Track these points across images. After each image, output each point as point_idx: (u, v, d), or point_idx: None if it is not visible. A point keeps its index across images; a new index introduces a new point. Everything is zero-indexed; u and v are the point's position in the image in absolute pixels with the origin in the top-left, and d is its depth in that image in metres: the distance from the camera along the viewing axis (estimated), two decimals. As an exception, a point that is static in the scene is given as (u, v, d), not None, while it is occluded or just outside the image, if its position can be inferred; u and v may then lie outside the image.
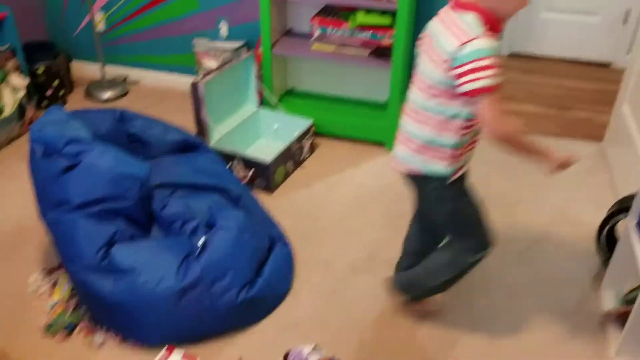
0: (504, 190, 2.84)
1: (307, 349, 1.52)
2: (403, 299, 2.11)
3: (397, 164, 1.87)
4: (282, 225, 2.49)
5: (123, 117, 2.39)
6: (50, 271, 2.32)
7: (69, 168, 1.99)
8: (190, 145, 2.51)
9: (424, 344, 2.05)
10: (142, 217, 2.12)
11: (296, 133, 2.93)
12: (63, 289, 2.23)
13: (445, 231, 1.97)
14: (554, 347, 2.04)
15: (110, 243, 1.98)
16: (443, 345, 2.04)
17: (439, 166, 1.76)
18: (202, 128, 2.80)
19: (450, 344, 2.05)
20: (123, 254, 1.97)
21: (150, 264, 1.95)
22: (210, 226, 2.15)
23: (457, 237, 1.92)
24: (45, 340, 2.05)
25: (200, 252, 2.01)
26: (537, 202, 2.77)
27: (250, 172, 2.74)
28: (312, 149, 3.11)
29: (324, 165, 3.03)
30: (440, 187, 1.80)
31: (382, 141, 3.13)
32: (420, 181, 1.84)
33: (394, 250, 2.45)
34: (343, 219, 2.66)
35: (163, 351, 1.87)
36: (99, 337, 2.04)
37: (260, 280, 2.10)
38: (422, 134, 1.74)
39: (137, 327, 1.99)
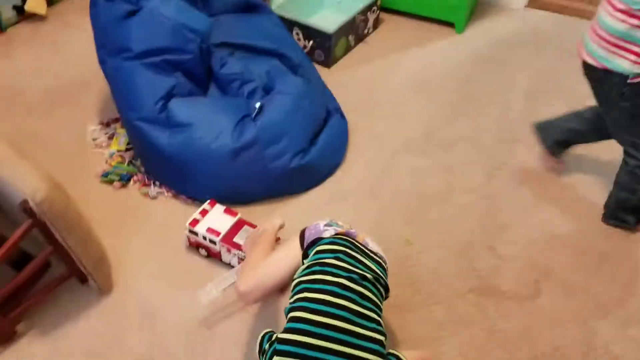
0: None
1: (323, 222, 1.54)
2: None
3: (584, 54, 1.78)
4: (340, 98, 2.43)
5: (185, -30, 2.30)
6: (108, 123, 2.36)
7: (131, 13, 1.95)
8: (253, 6, 2.42)
9: (472, 228, 2.03)
10: (200, 73, 2.09)
11: (361, 5, 2.78)
12: (120, 141, 2.27)
13: (621, 134, 1.88)
14: None
15: (169, 95, 1.97)
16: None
17: (624, 63, 1.66)
18: (264, -10, 2.68)
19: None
20: (181, 108, 1.97)
21: (207, 121, 1.95)
22: (267, 90, 2.11)
23: (633, 142, 1.84)
24: (102, 187, 2.12)
25: (257, 115, 1.99)
26: None
27: (310, 43, 2.65)
28: (376, 24, 2.96)
29: (388, 41, 2.90)
30: (620, 84, 1.71)
31: (452, 21, 2.96)
32: (601, 76, 1.75)
33: (451, 132, 2.39)
34: (402, 97, 2.58)
35: (206, 204, 1.92)
36: (152, 189, 2.10)
37: (314, 148, 2.08)
38: (615, 27, 1.64)
39: (190, 182, 2.02)
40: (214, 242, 1.84)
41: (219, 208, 1.92)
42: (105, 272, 1.77)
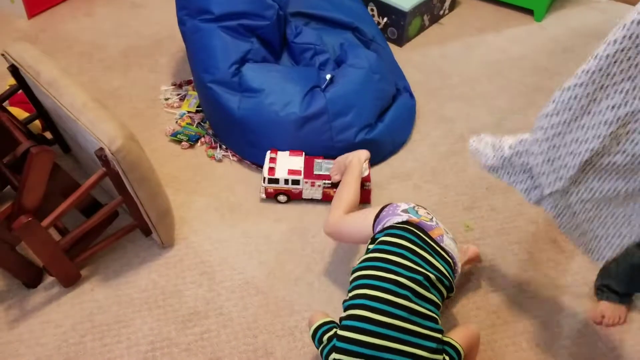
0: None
1: (403, 206, 1.54)
2: None
3: None
4: (410, 78, 2.41)
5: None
6: (180, 84, 2.42)
7: (215, -24, 1.98)
8: (331, -22, 2.41)
9: (535, 219, 1.98)
10: (275, 40, 2.11)
11: (439, -14, 2.73)
12: (190, 103, 2.32)
13: None
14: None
15: (243, 60, 2.00)
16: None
17: None
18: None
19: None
20: (254, 73, 1.99)
21: (278, 88, 1.97)
22: (339, 63, 2.11)
23: None
24: (171, 145, 2.17)
25: (327, 86, 1.99)
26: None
27: (384, 20, 2.62)
28: (453, 5, 2.90)
29: (463, 24, 2.84)
30: None
31: (531, 9, 2.87)
32: None
33: (521, 122, 2.33)
34: (475, 81, 2.53)
35: (269, 153, 1.99)
36: (218, 152, 2.14)
37: (380, 125, 2.07)
38: None
39: (256, 147, 2.04)
40: (297, 182, 1.92)
41: (284, 153, 1.99)
42: (169, 226, 1.82)
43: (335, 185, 1.91)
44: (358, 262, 1.47)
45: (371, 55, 2.11)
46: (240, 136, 2.05)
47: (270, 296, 1.72)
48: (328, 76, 2.01)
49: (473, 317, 1.70)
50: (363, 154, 1.88)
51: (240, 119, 1.99)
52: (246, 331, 1.63)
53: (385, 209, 1.55)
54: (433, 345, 1.32)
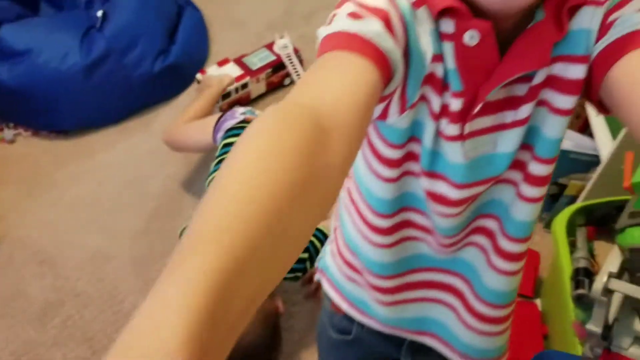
0: None
1: (240, 110, 1.54)
2: None
3: None
4: (187, -10, 2.26)
5: None
6: None
7: None
8: None
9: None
10: (25, -9, 1.85)
11: None
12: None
13: None
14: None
15: (-6, 23, 1.74)
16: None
17: None
18: None
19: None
20: (13, 34, 1.75)
21: (48, 42, 1.76)
22: (106, -5, 1.92)
23: None
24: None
25: (102, 23, 1.81)
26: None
27: None
28: None
29: None
30: None
31: None
32: None
33: (310, 2, 2.32)
34: (254, -22, 2.45)
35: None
36: (7, 132, 1.89)
37: (174, 47, 1.95)
38: None
39: (48, 112, 1.84)
40: (246, 85, 1.92)
41: (212, 68, 1.96)
42: (-17, 228, 1.62)
43: (275, 68, 1.97)
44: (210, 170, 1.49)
45: (139, -23, 1.93)
46: (26, 107, 1.82)
47: (123, 258, 1.62)
48: (99, 13, 1.82)
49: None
50: (226, 80, 1.86)
51: (18, 88, 1.76)
52: (110, 301, 1.54)
53: (224, 115, 1.55)
54: None
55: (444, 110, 0.59)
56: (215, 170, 1.47)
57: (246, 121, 1.51)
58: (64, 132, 1.89)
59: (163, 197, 1.76)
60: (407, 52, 0.55)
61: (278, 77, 2.00)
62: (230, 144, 1.47)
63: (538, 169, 0.63)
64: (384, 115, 0.61)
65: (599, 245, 1.15)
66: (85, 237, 1.66)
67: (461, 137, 0.60)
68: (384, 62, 0.50)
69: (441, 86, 0.58)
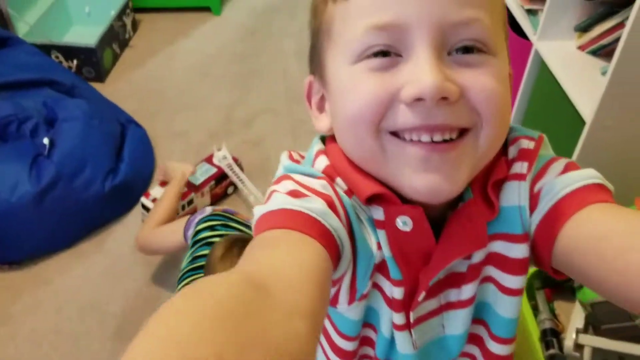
0: None
1: (209, 209, 1.64)
2: None
3: None
4: (127, 109, 2.33)
5: None
6: None
7: None
8: (0, 40, 2.19)
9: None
10: (-33, 127, 1.86)
11: (112, 12, 2.67)
12: None
13: None
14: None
15: (-61, 162, 1.73)
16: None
17: None
18: (3, 20, 2.43)
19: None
20: (-41, 170, 1.74)
21: (-4, 174, 1.75)
22: (51, 122, 1.95)
23: None
24: None
25: (50, 150, 1.84)
26: None
27: (75, 62, 2.48)
28: (135, 26, 2.87)
29: (153, 40, 2.83)
30: None
31: (207, 5, 2.98)
32: None
33: (248, 108, 2.45)
34: (189, 88, 2.56)
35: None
36: (-44, 269, 1.84)
37: (122, 165, 1.99)
38: None
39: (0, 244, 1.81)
40: (191, 201, 1.92)
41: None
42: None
43: (218, 179, 2.00)
44: (184, 261, 1.52)
45: (80, 103, 1.99)
46: (-25, 242, 1.79)
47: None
48: (46, 140, 1.85)
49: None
50: (188, 168, 1.93)
51: (-33, 224, 1.73)
52: None
53: (194, 214, 1.62)
54: None
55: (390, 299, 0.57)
56: (187, 267, 1.48)
57: (215, 212, 1.56)
58: (16, 263, 1.85)
59: (124, 316, 1.74)
60: (352, 237, 0.52)
61: (221, 188, 2.04)
62: (201, 240, 1.50)
63: (497, 348, 0.60)
64: (334, 300, 0.56)
65: (559, 305, 1.24)
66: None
67: (407, 326, 0.57)
68: (331, 239, 0.47)
69: (388, 274, 0.55)
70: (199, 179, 1.97)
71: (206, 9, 2.99)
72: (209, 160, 2.06)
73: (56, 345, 1.67)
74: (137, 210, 2.02)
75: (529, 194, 0.54)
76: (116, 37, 2.66)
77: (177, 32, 2.88)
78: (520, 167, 0.55)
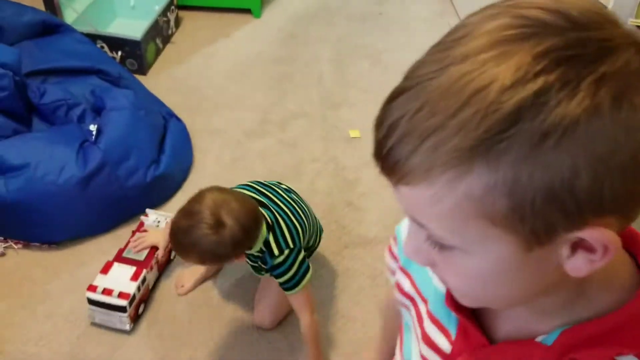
0: None
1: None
2: None
3: None
4: (167, 102, 2.40)
5: (-36, 1, 2.08)
6: None
7: None
8: (51, 27, 2.26)
9: (329, 190, 2.18)
10: (20, 108, 1.93)
11: (157, 7, 2.74)
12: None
13: None
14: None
15: (-7, 140, 1.80)
16: (349, 188, 2.18)
17: None
18: (52, 7, 2.49)
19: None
20: (11, 150, 1.81)
21: (45, 156, 1.81)
22: (98, 110, 2.02)
23: None
24: None
25: (97, 137, 1.90)
26: None
27: (120, 54, 2.55)
28: (178, 23, 2.94)
29: (194, 38, 2.90)
30: None
31: (248, 7, 3.05)
32: None
33: (284, 109, 2.51)
34: (227, 87, 2.62)
35: (92, 294, 1.68)
36: (-3, 246, 1.90)
37: (164, 157, 2.05)
38: None
39: (40, 225, 1.87)
40: (145, 279, 1.73)
41: (100, 278, 1.71)
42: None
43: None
44: None
45: (128, 93, 2.06)
46: (19, 220, 1.85)
47: (126, 366, 1.63)
48: (93, 127, 1.92)
49: (315, 297, 1.82)
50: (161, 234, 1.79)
51: (14, 202, 1.79)
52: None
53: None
54: None
55: None
56: None
57: None
58: (56, 244, 1.91)
59: (157, 303, 1.79)
60: None
61: (165, 255, 1.84)
62: None
63: None
64: None
65: None
66: (86, 348, 1.66)
67: None
68: None
69: None
70: (142, 253, 1.78)
71: (247, 10, 3.06)
72: (140, 230, 1.87)
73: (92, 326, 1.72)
74: (174, 201, 2.08)
75: None
76: (160, 32, 2.73)
77: (218, 31, 2.95)
78: None
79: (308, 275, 1.51)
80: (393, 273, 0.72)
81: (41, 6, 2.48)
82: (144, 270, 1.72)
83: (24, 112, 1.96)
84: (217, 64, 2.75)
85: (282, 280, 1.49)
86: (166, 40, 2.82)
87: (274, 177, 2.17)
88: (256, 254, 1.50)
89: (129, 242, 1.82)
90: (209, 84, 2.63)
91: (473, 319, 0.58)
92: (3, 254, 1.89)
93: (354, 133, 2.41)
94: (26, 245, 1.91)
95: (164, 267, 1.87)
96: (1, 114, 1.86)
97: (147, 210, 1.92)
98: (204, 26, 2.99)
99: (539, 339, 0.53)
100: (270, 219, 1.50)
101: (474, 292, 0.52)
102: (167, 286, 1.84)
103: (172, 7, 2.84)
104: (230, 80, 2.66)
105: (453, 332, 0.60)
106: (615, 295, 0.51)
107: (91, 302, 1.66)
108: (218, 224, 1.33)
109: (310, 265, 1.54)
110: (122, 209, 1.95)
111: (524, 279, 0.49)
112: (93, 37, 2.50)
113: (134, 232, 1.86)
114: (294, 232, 1.53)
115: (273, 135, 2.39)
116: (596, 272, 0.47)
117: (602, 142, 0.40)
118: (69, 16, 2.56)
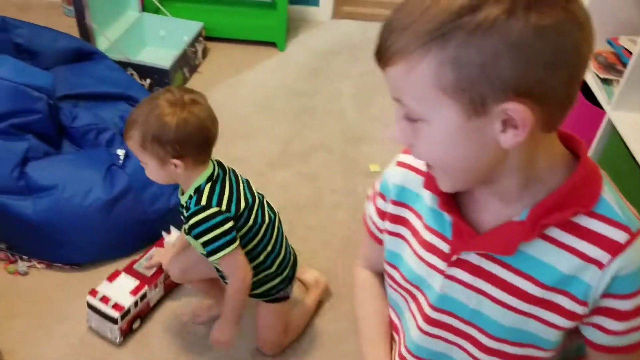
0: None
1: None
2: None
3: None
4: (191, 130, 2.44)
5: (5, 26, 2.15)
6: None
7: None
8: (85, 53, 2.33)
9: (347, 223, 2.19)
10: (52, 131, 1.98)
11: (186, 38, 2.82)
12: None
13: None
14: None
15: (24, 161, 1.84)
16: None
17: None
18: (86, 35, 2.58)
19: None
20: (40, 171, 1.85)
21: (73, 178, 1.86)
22: (125, 135, 2.06)
23: None
24: (-41, 275, 1.90)
25: (124, 161, 1.94)
26: None
27: (148, 81, 2.62)
28: (205, 53, 3.02)
29: (220, 68, 2.97)
30: None
31: (273, 41, 3.12)
32: None
33: (304, 143, 2.54)
34: (249, 118, 2.67)
35: (90, 299, 1.71)
36: (21, 265, 1.93)
37: (187, 183, 2.08)
38: None
39: (64, 246, 1.90)
40: (144, 296, 1.74)
41: (104, 286, 1.74)
42: (-1, 363, 1.61)
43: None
44: None
45: (155, 120, 2.10)
46: (44, 240, 1.88)
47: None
48: (121, 151, 1.96)
49: (326, 329, 1.82)
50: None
51: (40, 222, 1.83)
52: None
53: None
54: None
55: None
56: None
57: None
58: (78, 265, 1.94)
59: (154, 323, 1.80)
60: None
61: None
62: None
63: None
64: None
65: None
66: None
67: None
68: None
69: None
70: (152, 270, 1.79)
71: (272, 44, 3.13)
72: (159, 244, 1.90)
73: (108, 349, 1.73)
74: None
75: (599, 291, 0.73)
76: (187, 62, 2.80)
77: (243, 63, 3.02)
78: (594, 251, 0.71)
79: (231, 247, 1.44)
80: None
81: (76, 33, 2.56)
82: (146, 287, 1.74)
83: (56, 135, 2.01)
84: (241, 94, 2.81)
85: (201, 241, 1.44)
86: (193, 69, 2.89)
87: (294, 208, 2.21)
88: (185, 203, 1.47)
89: (144, 254, 1.85)
90: (232, 113, 2.68)
91: (463, 218, 0.77)
92: (26, 273, 1.92)
93: (374, 167, 2.43)
94: (49, 266, 1.95)
95: (171, 288, 1.87)
96: (34, 136, 1.91)
97: (171, 227, 1.94)
98: (230, 57, 3.06)
99: (514, 219, 0.73)
100: (218, 174, 1.50)
101: (441, 161, 0.70)
102: (171, 307, 1.86)
103: (200, 38, 2.91)
104: (253, 110, 2.72)
105: (448, 234, 0.79)
106: (561, 176, 0.72)
107: (89, 306, 1.71)
108: (177, 104, 1.37)
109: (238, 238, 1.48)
110: (144, 232, 1.98)
111: (470, 148, 0.67)
112: (124, 65, 2.58)
113: (152, 246, 1.89)
114: (234, 200, 1.49)
115: (294, 166, 2.42)
116: (543, 162, 0.70)
117: (517, 35, 0.59)
118: (102, 44, 2.63)
